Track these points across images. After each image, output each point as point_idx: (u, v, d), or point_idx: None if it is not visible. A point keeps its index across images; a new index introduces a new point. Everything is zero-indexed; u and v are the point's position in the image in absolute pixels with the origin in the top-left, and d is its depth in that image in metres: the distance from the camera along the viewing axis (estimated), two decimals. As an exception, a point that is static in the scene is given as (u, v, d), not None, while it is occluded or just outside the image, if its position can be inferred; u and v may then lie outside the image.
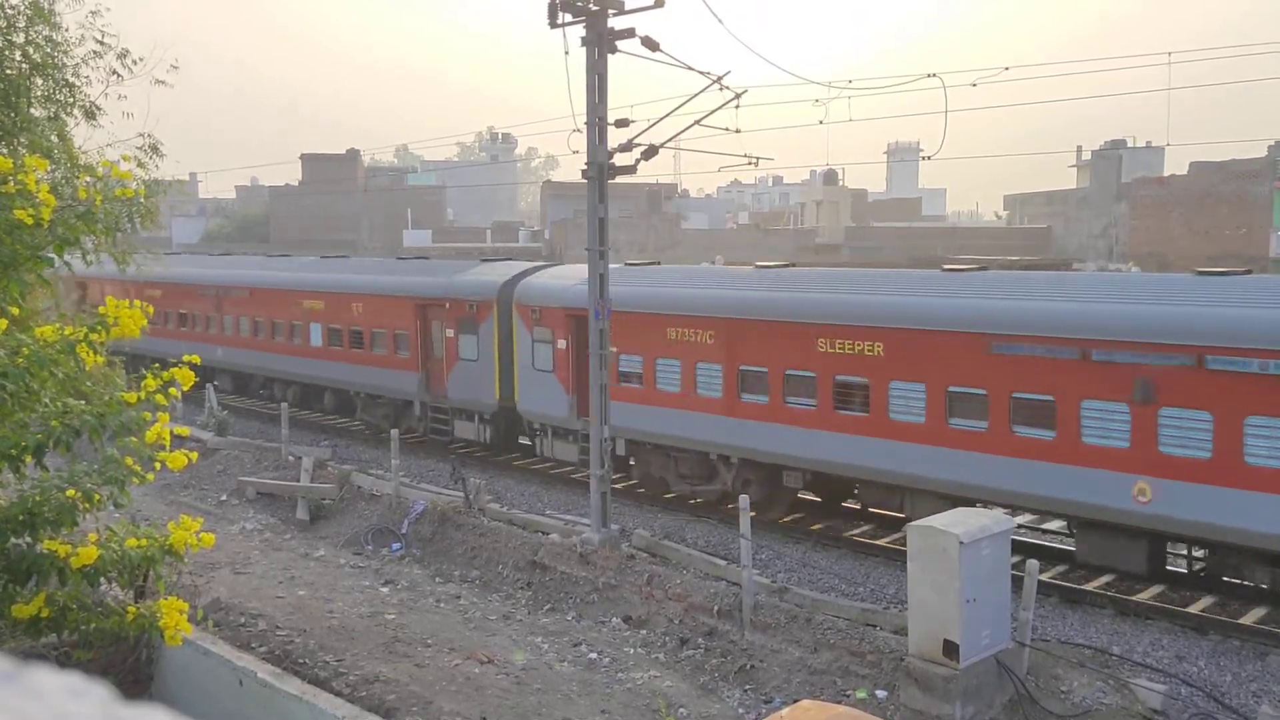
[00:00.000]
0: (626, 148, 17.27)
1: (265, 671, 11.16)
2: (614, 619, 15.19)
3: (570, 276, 22.20)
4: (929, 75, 18.17)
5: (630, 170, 17.54)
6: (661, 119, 17.45)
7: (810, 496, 19.35)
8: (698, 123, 17.76)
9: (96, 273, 35.50)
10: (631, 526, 18.27)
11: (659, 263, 24.57)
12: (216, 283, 32.54)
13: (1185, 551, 15.73)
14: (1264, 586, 14.11)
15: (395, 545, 18.96)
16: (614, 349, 18.22)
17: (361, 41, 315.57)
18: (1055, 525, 18.31)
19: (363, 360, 26.65)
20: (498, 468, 23.79)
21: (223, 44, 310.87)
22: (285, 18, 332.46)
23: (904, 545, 12.60)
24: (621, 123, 17.33)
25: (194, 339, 32.26)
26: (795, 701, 9.48)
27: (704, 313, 19.03)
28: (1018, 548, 14.07)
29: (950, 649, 11.56)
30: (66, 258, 7.78)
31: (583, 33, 16.50)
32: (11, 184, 7.04)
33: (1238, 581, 14.79)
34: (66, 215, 7.57)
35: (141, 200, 8.42)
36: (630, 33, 16.37)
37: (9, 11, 12.72)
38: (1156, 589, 14.94)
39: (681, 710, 12.14)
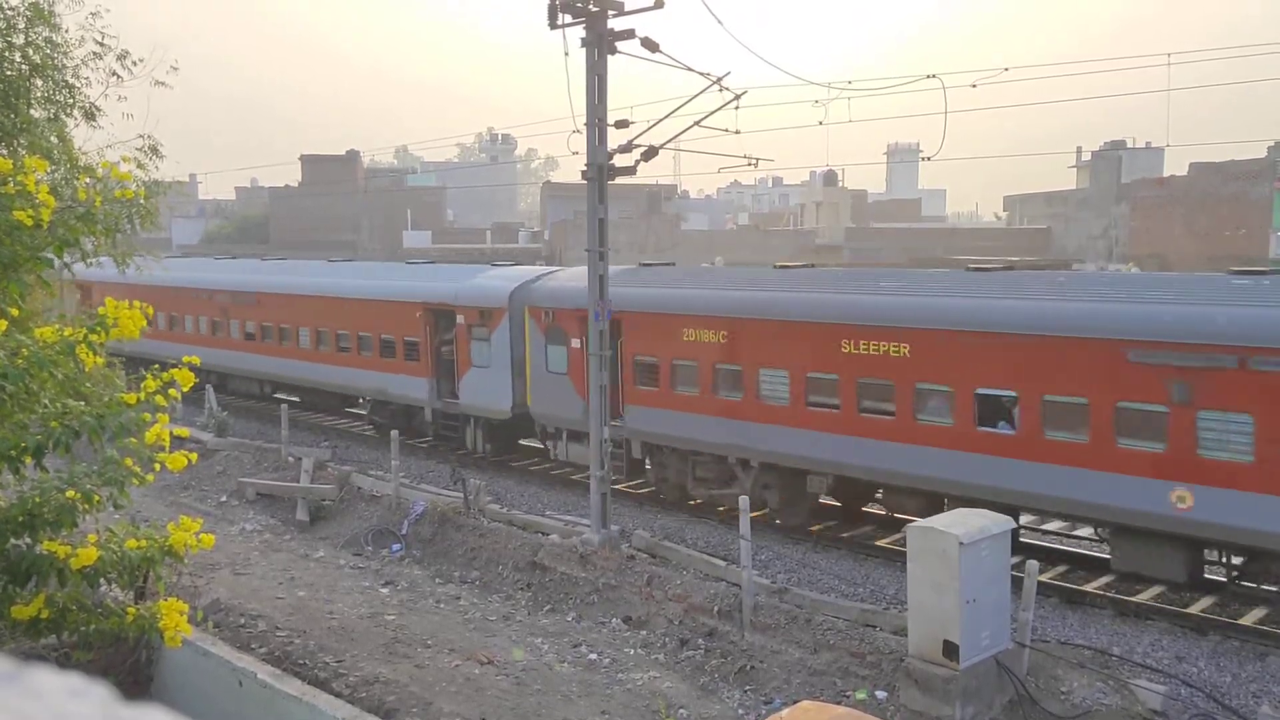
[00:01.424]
0: (626, 148, 17.27)
1: (265, 672, 11.16)
2: (614, 620, 15.19)
3: None
4: (929, 76, 18.12)
5: (630, 171, 17.54)
6: (661, 120, 17.46)
7: None
8: (697, 123, 17.76)
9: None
10: (631, 527, 18.27)
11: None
12: (919, 321, 16.16)
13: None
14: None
15: (395, 546, 18.96)
16: None
17: (361, 43, 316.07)
18: (1054, 526, 18.32)
19: None
20: (497, 469, 23.78)
21: (222, 46, 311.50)
22: (285, 20, 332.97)
23: (904, 546, 12.60)
24: (621, 124, 17.32)
25: (835, 430, 17.23)
26: (795, 702, 9.47)
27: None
28: (1017, 548, 14.05)
29: (950, 650, 11.56)
30: (66, 258, 7.79)
31: (582, 34, 16.50)
32: (11, 185, 7.04)
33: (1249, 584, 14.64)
34: (66, 216, 7.57)
35: (141, 201, 8.40)
36: (630, 34, 16.37)
37: (8, 13, 12.69)
38: (1156, 590, 14.93)
39: (681, 711, 12.13)
